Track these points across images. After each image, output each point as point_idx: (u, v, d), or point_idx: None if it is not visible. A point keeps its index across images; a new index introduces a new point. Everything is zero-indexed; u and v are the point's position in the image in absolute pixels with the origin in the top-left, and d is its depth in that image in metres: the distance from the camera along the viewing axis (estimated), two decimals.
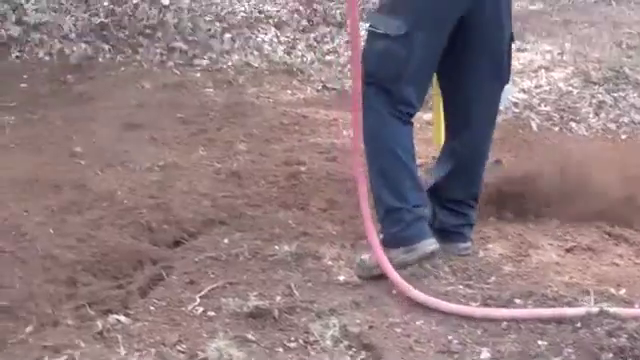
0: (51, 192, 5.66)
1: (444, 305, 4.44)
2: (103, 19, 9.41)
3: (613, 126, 7.48)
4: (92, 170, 6.04)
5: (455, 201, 4.93)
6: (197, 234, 5.50)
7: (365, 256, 4.79)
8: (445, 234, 4.89)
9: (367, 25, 4.70)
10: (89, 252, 5.09)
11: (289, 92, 8.06)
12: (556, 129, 7.33)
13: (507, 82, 4.97)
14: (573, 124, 7.43)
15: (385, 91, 4.58)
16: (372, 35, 4.60)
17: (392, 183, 4.64)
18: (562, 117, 7.47)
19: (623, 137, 7.18)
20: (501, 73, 4.85)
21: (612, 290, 4.64)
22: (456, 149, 4.92)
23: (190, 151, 6.39)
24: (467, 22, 4.58)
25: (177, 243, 5.45)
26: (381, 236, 4.75)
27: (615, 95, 8.03)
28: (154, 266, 5.06)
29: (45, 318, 4.44)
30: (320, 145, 6.51)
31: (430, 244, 4.68)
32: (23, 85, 8.02)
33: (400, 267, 4.65)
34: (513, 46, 4.90)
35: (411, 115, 4.71)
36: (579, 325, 4.27)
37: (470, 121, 4.90)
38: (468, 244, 4.97)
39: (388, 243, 4.67)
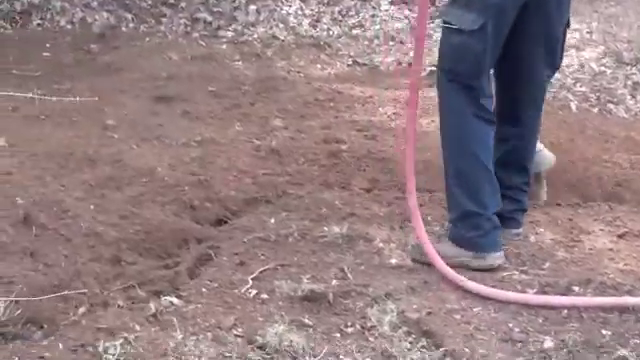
0: (87, 166, 5.55)
1: (503, 294, 4.38)
2: None
3: None
4: (127, 144, 5.91)
5: (507, 187, 4.82)
6: (241, 213, 5.43)
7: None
8: (500, 219, 4.75)
9: (441, 21, 4.54)
10: (132, 230, 4.99)
11: (319, 66, 7.93)
12: (595, 110, 7.13)
13: (559, 68, 4.89)
14: (611, 105, 7.27)
15: (467, 88, 4.50)
16: (447, 31, 4.51)
17: (472, 187, 4.61)
18: (599, 98, 7.33)
19: None
20: (555, 59, 4.81)
21: None
22: (506, 135, 4.82)
23: (226, 126, 6.27)
24: (529, 8, 4.48)
25: (220, 222, 5.38)
26: (448, 229, 4.79)
27: None
28: (199, 245, 4.97)
29: (95, 298, 4.34)
30: (358, 122, 6.41)
31: (499, 257, 4.68)
32: (46, 54, 7.90)
33: (459, 267, 4.61)
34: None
35: (491, 110, 4.62)
36: None
37: (521, 107, 4.86)
38: (520, 230, 4.94)
39: (459, 242, 4.66)
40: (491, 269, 4.64)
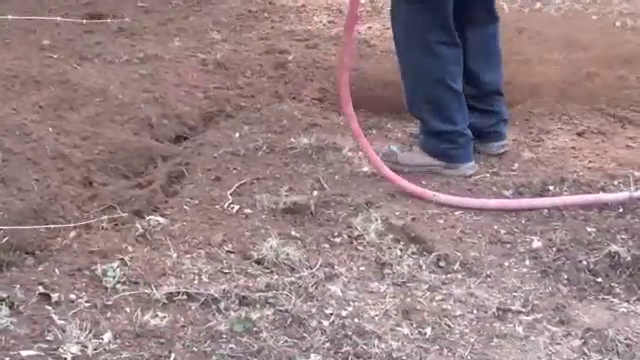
0: (34, 88, 5.45)
1: (489, 203, 4.42)
2: None
3: None
4: (68, 64, 5.80)
5: (480, 98, 4.79)
6: (199, 128, 5.40)
7: (395, 147, 4.75)
8: (481, 137, 4.86)
9: None
10: (97, 150, 4.93)
11: None
12: (526, 10, 7.18)
13: None
14: (539, 4, 7.32)
15: (434, 14, 4.50)
16: None
17: (440, 109, 4.63)
18: None
19: None
20: None
21: (636, 173, 4.64)
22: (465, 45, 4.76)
23: (164, 41, 6.19)
24: None
25: (179, 138, 5.36)
26: (418, 138, 4.83)
27: None
28: (167, 163, 4.94)
29: (76, 221, 4.22)
30: (295, 32, 6.40)
31: (472, 167, 4.73)
32: None
33: (429, 173, 4.69)
34: None
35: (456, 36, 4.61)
36: (622, 210, 4.21)
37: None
38: (505, 141, 4.95)
39: (430, 152, 4.71)
40: (465, 178, 4.69)
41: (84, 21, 6.00)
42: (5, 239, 3.89)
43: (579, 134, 5.06)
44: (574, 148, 4.88)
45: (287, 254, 3.87)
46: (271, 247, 3.90)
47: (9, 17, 4.35)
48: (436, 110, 4.55)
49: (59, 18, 5.06)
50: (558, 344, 3.45)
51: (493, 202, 4.36)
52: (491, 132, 4.82)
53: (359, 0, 4.55)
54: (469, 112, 4.80)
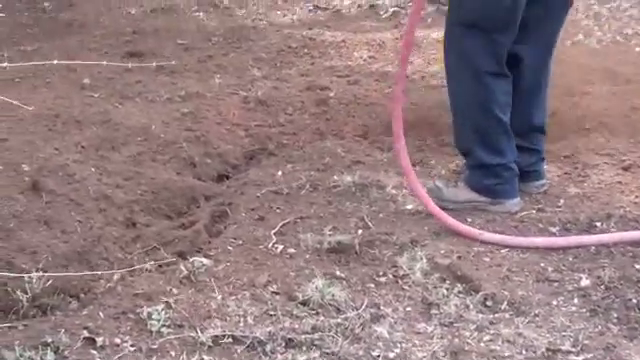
0: (75, 128, 5.43)
1: (536, 241, 4.37)
2: None
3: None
4: (109, 103, 5.78)
5: (521, 136, 4.73)
6: (242, 167, 5.39)
7: (440, 184, 4.71)
8: (521, 175, 4.78)
9: None
10: (140, 190, 4.92)
11: (279, 13, 7.82)
12: (568, 43, 7.13)
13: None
14: (581, 36, 7.27)
15: (491, 43, 4.44)
16: None
17: (488, 140, 4.57)
18: (567, 30, 7.21)
19: None
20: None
21: None
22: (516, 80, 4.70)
23: (205, 79, 6.18)
24: None
25: (222, 177, 5.35)
26: (463, 173, 4.78)
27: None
28: (210, 202, 4.90)
29: (120, 263, 4.21)
30: (336, 68, 6.36)
31: (517, 204, 4.67)
32: (0, 15, 7.59)
33: (472, 210, 4.63)
34: None
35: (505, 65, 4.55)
36: None
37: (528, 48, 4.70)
38: (544, 180, 4.87)
39: (475, 188, 4.64)
40: (510, 215, 4.61)
41: (130, 65, 5.97)
42: (49, 282, 3.86)
43: (625, 169, 4.99)
44: (620, 183, 4.82)
45: (332, 295, 3.84)
46: (316, 288, 3.87)
47: (55, 62, 4.35)
48: (484, 141, 4.51)
49: (105, 62, 5.03)
50: None
51: (540, 240, 4.26)
52: (531, 171, 4.76)
53: (414, 31, 4.51)
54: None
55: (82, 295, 3.95)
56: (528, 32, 4.51)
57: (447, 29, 4.51)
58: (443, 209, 4.51)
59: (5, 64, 3.44)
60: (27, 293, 3.82)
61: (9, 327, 3.63)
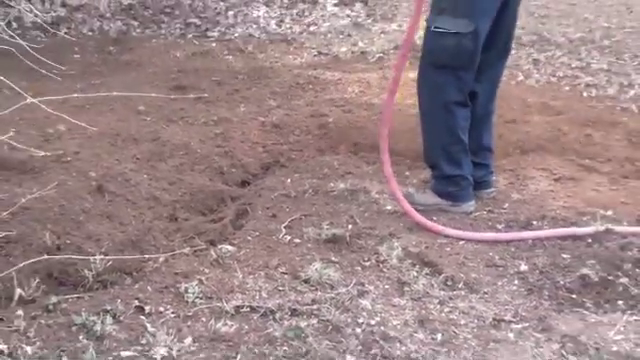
0: (132, 144, 5.40)
1: (486, 236, 4.35)
2: (131, 0, 8.92)
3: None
4: (159, 125, 5.77)
5: (475, 153, 4.72)
6: (260, 175, 5.36)
7: (412, 190, 4.73)
8: (475, 186, 4.75)
9: (432, 27, 4.39)
10: (181, 193, 4.90)
11: (291, 57, 7.80)
12: (513, 82, 7.11)
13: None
14: (521, 77, 7.27)
15: (457, 80, 4.42)
16: (440, 35, 4.34)
17: (452, 157, 4.54)
18: (512, 73, 7.27)
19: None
20: (510, 47, 4.71)
21: (602, 212, 4.51)
22: (472, 110, 4.69)
23: (233, 107, 6.14)
24: (506, 8, 4.47)
25: (244, 183, 5.32)
26: (431, 182, 4.72)
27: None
28: (235, 203, 4.90)
29: (164, 249, 4.19)
30: (334, 100, 6.33)
31: (471, 206, 4.65)
32: (76, 56, 7.63)
33: (438, 211, 4.63)
34: None
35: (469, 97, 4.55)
36: (590, 241, 4.16)
37: (482, 85, 4.67)
38: (492, 189, 4.85)
39: (440, 194, 4.62)
40: (467, 214, 4.63)
41: (174, 96, 5.97)
42: (109, 263, 3.84)
43: (555, 180, 4.98)
44: (552, 191, 4.80)
45: (328, 275, 3.83)
46: (316, 269, 3.86)
47: (114, 93, 4.37)
48: (448, 157, 4.48)
49: (154, 94, 5.04)
50: (541, 347, 3.41)
51: (489, 235, 4.23)
52: (482, 182, 4.74)
53: (404, 65, 4.53)
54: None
55: (134, 273, 3.93)
56: (482, 73, 4.49)
57: (421, 69, 4.48)
58: (415, 210, 4.43)
59: (76, 94, 3.42)
60: (92, 271, 3.79)
61: (77, 297, 3.60)
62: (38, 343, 3.21)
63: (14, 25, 7.98)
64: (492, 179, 4.83)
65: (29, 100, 2.94)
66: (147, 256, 3.89)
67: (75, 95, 3.57)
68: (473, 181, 4.70)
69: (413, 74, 6.38)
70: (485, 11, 4.30)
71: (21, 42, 3.13)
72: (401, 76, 4.49)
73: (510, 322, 3.61)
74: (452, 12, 4.22)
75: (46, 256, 3.57)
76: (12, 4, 8.54)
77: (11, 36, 3.01)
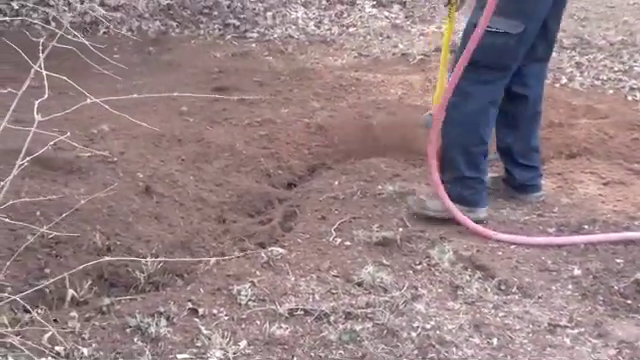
0: (177, 145, 5.37)
1: (538, 240, 4.31)
2: (169, 0, 8.94)
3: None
4: (202, 126, 5.75)
5: (524, 156, 4.70)
6: (306, 177, 5.35)
7: (423, 196, 4.62)
8: (523, 188, 4.76)
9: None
10: (228, 194, 4.91)
11: (331, 58, 7.77)
12: (557, 85, 7.07)
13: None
14: (565, 80, 7.22)
15: (498, 79, 4.37)
16: (491, 34, 4.25)
17: (472, 159, 4.46)
18: (555, 76, 7.23)
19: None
20: (553, 49, 4.73)
21: None
22: (522, 112, 4.67)
23: (276, 109, 6.12)
24: (552, 13, 4.43)
25: (290, 185, 5.32)
26: (446, 189, 4.52)
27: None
28: (282, 205, 4.87)
29: (214, 251, 4.19)
30: (377, 102, 6.27)
31: (485, 211, 4.55)
32: (116, 56, 7.61)
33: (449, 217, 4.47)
34: None
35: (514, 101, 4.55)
36: None
37: (530, 87, 4.66)
38: (541, 192, 4.80)
39: (453, 199, 4.47)
40: (480, 222, 4.52)
41: (215, 96, 5.97)
42: (160, 265, 3.83)
43: (604, 184, 4.94)
44: (601, 195, 4.78)
45: (381, 278, 3.82)
46: (368, 273, 3.86)
47: (175, 94, 4.37)
48: (468, 160, 4.42)
49: (198, 94, 5.03)
50: (598, 353, 3.38)
51: (540, 239, 4.22)
52: (531, 185, 4.72)
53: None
54: (514, 167, 4.73)
55: (186, 275, 3.92)
56: (529, 75, 4.52)
57: (459, 66, 4.29)
58: (424, 215, 4.48)
59: (135, 95, 3.43)
60: (143, 273, 3.80)
61: (130, 299, 3.61)
62: (94, 345, 3.22)
63: (53, 24, 7.98)
64: (541, 182, 4.80)
65: (89, 101, 2.94)
66: (199, 259, 3.88)
67: (135, 95, 3.57)
68: (521, 185, 4.69)
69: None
70: (536, 14, 4.26)
71: (84, 41, 3.12)
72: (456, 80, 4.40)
73: (565, 327, 3.58)
74: (503, 12, 4.17)
75: (106, 258, 3.56)
76: (51, 3, 8.60)
77: (74, 35, 2.99)
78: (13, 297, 3.08)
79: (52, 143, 3.12)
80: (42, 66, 2.97)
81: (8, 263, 3.45)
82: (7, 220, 3.31)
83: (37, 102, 2.87)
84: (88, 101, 2.89)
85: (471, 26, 4.26)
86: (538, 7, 4.26)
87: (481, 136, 4.45)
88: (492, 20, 4.14)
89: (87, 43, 3.18)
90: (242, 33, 8.66)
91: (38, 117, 2.81)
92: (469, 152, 4.46)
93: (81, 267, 3.33)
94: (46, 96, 3.00)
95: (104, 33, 8.37)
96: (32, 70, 2.86)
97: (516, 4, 4.20)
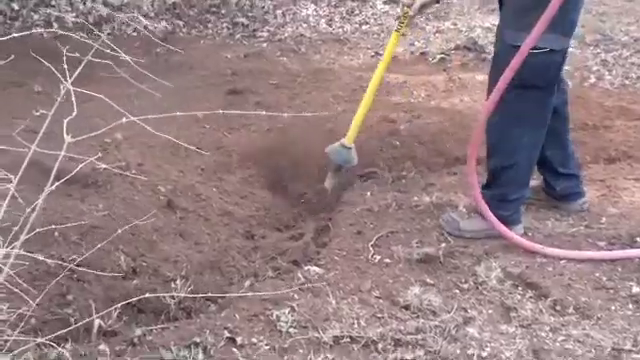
0: (195, 154, 5.06)
1: (594, 254, 4.07)
2: None
3: None
4: (220, 132, 5.49)
5: (563, 164, 4.46)
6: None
7: (456, 215, 4.37)
8: (566, 197, 4.52)
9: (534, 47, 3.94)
10: (254, 207, 4.64)
11: (346, 57, 7.52)
12: (586, 85, 6.83)
13: None
14: (593, 79, 6.98)
15: (548, 96, 4.08)
16: (532, 54, 3.90)
17: (521, 179, 4.22)
18: (582, 75, 7.00)
19: None
20: None
21: None
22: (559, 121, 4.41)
23: (296, 112, 5.82)
24: None
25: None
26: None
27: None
28: (312, 218, 4.56)
29: (245, 271, 3.94)
30: (402, 104, 6.00)
31: (521, 229, 4.30)
32: (122, 58, 7.31)
33: (485, 238, 4.26)
34: None
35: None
36: None
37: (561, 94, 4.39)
38: (585, 198, 4.57)
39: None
40: None
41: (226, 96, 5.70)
42: (190, 288, 3.57)
43: None
44: None
45: (429, 300, 3.59)
46: (415, 295, 3.63)
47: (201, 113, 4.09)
48: (516, 180, 4.19)
49: (221, 111, 4.78)
50: None
51: (597, 254, 4.00)
52: (572, 193, 4.48)
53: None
54: (555, 178, 4.51)
55: (219, 300, 3.65)
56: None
57: (502, 89, 3.96)
58: (460, 237, 4.24)
59: (178, 112, 3.15)
60: (174, 298, 3.54)
61: (162, 329, 3.35)
62: None
63: (55, 26, 7.71)
64: (583, 189, 4.58)
65: (124, 120, 2.67)
66: (233, 280, 3.64)
67: (178, 113, 3.26)
68: (564, 194, 4.51)
69: (481, 76, 6.18)
70: (574, 25, 4.01)
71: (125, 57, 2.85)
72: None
73: (630, 351, 3.36)
74: (554, 29, 3.90)
75: (150, 296, 3.28)
76: (53, 3, 8.33)
77: (113, 50, 2.72)
78: (40, 339, 2.80)
79: (87, 162, 2.82)
80: (67, 77, 2.70)
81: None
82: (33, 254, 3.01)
83: (66, 121, 2.59)
84: (124, 120, 2.61)
85: (509, 47, 3.96)
86: (576, 16, 4.01)
87: (532, 157, 4.24)
88: (543, 38, 3.85)
89: (109, 43, 2.86)
90: (252, 32, 8.41)
91: (68, 138, 2.53)
92: (520, 173, 4.23)
93: (129, 302, 3.06)
94: (75, 114, 2.72)
95: (109, 34, 8.06)
96: (63, 87, 2.58)
97: (561, 18, 3.92)
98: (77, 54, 3.06)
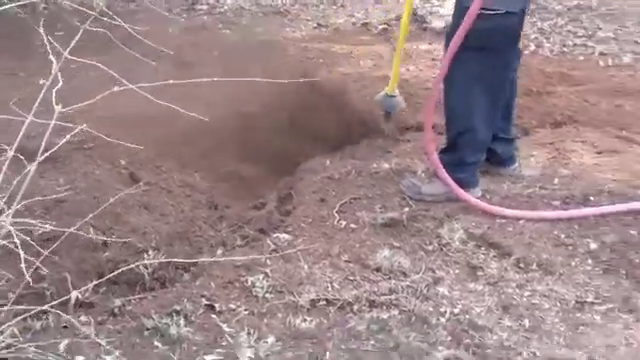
0: (149, 126, 5.04)
1: (551, 214, 4.17)
2: None
3: None
4: (175, 104, 5.42)
5: (505, 129, 4.56)
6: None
7: (416, 181, 4.47)
8: (503, 162, 4.60)
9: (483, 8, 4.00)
10: (215, 178, 4.60)
11: (288, 29, 7.52)
12: (526, 52, 6.97)
13: None
14: (533, 47, 7.15)
15: (504, 57, 4.15)
16: (488, 16, 4.00)
17: (479, 141, 4.29)
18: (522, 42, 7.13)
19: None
20: None
21: None
22: None
23: (248, 84, 5.80)
24: None
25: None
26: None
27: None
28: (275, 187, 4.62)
29: (213, 240, 3.98)
30: (351, 75, 6.05)
31: (479, 191, 4.40)
32: (60, 33, 7.24)
33: (447, 201, 4.35)
34: None
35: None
36: None
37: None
38: (517, 164, 4.65)
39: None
40: None
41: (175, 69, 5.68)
42: (162, 257, 3.61)
43: (598, 153, 4.86)
44: (598, 165, 4.71)
45: (399, 262, 3.67)
46: (384, 257, 3.69)
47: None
48: (474, 144, 4.27)
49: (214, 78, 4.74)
50: (631, 329, 3.30)
51: (552, 214, 4.14)
52: (509, 157, 4.58)
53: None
54: (496, 142, 4.53)
55: (192, 268, 3.68)
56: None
57: (459, 52, 4.04)
58: (421, 201, 4.31)
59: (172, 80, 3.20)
60: (147, 268, 3.56)
61: (140, 299, 3.38)
62: (117, 352, 2.98)
63: None
64: (516, 154, 4.66)
65: (116, 88, 2.70)
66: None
67: (172, 81, 3.26)
68: (502, 158, 4.59)
69: (425, 45, 6.29)
70: None
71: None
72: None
73: (593, 304, 3.49)
74: None
75: (149, 261, 3.31)
76: None
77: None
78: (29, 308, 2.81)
79: (73, 133, 2.83)
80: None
81: None
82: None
83: (54, 90, 2.61)
84: (116, 89, 2.64)
85: (463, 9, 4.06)
86: None
87: (494, 120, 4.33)
88: (496, 2, 3.94)
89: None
90: (190, 5, 8.35)
91: (58, 108, 2.55)
92: (477, 137, 4.29)
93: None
94: (60, 84, 2.73)
95: (44, 9, 7.94)
96: (62, 56, 2.59)
97: None
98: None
